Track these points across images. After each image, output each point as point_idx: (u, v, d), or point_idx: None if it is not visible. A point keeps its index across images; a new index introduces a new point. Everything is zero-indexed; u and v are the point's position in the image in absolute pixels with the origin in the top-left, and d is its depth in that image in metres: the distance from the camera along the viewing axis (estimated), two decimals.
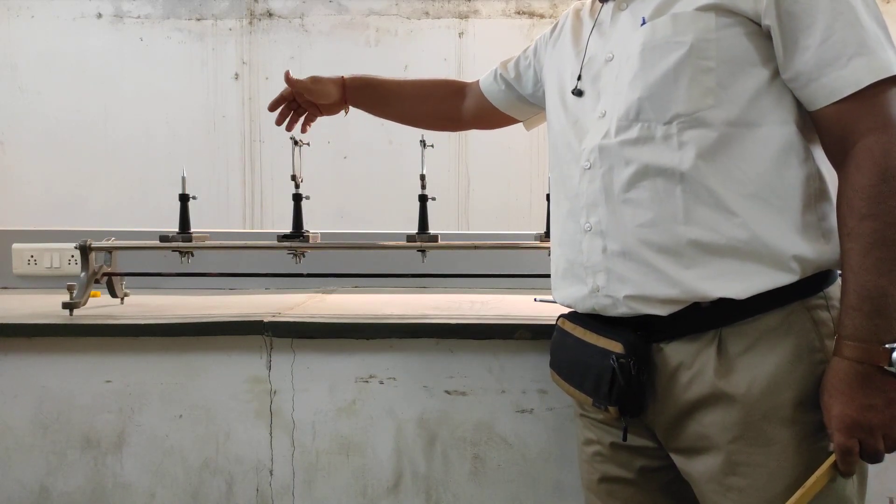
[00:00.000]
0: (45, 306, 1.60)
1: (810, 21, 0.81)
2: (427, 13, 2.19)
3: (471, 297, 1.82)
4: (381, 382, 1.38)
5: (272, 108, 1.42)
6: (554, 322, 1.05)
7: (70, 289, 1.49)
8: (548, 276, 1.79)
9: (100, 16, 2.20)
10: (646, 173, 0.88)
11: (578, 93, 0.99)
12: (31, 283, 2.03)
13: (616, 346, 0.89)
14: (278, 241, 1.57)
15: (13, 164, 2.20)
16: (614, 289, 0.91)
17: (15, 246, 2.04)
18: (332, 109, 1.44)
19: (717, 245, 0.84)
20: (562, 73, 1.06)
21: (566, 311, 1.05)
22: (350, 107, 1.45)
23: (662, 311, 0.88)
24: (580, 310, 0.98)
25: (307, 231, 1.58)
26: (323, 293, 1.90)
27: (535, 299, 1.76)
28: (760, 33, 0.84)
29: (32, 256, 2.03)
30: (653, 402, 0.91)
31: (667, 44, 0.86)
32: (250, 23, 2.20)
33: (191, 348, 1.40)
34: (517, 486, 1.37)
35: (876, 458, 0.80)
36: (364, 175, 2.20)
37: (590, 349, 0.94)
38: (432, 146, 1.59)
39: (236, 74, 2.20)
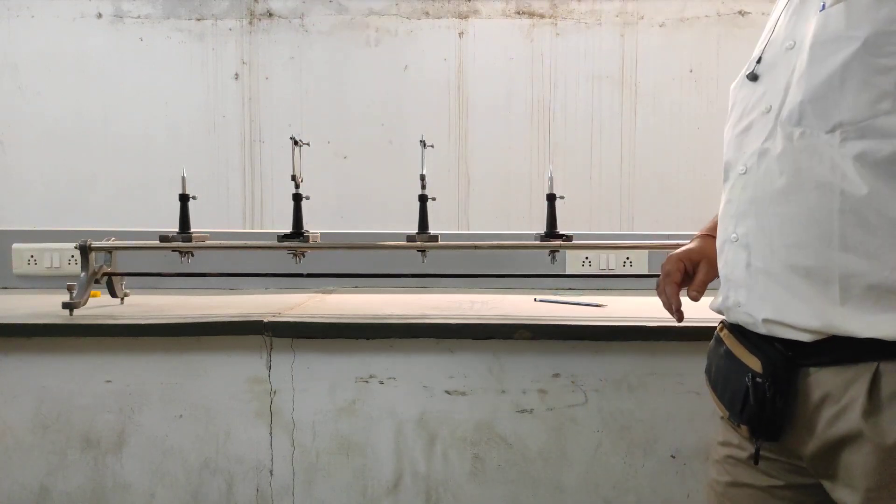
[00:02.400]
0: (45, 306, 1.60)
1: None
2: (427, 13, 2.18)
3: (471, 297, 1.82)
4: (381, 382, 1.38)
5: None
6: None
7: (70, 289, 1.49)
8: (547, 276, 1.81)
9: (100, 16, 2.20)
10: (800, 186, 0.78)
11: (753, 77, 0.88)
12: (31, 283, 2.03)
13: (755, 364, 0.82)
14: (278, 241, 1.57)
15: (13, 164, 2.20)
16: (754, 308, 0.84)
17: (15, 246, 2.04)
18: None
19: (874, 277, 0.74)
20: (753, 56, 0.93)
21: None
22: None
23: (805, 337, 0.79)
24: (729, 320, 0.92)
25: (307, 231, 1.58)
26: (323, 293, 1.90)
27: (535, 299, 1.76)
28: None
29: (32, 256, 2.03)
30: (793, 429, 0.83)
31: (838, 38, 0.75)
32: (250, 23, 2.20)
33: (191, 348, 1.40)
34: (517, 486, 1.37)
35: None
36: (364, 175, 2.20)
37: (733, 362, 0.87)
38: (432, 146, 1.59)
39: (236, 74, 2.20)
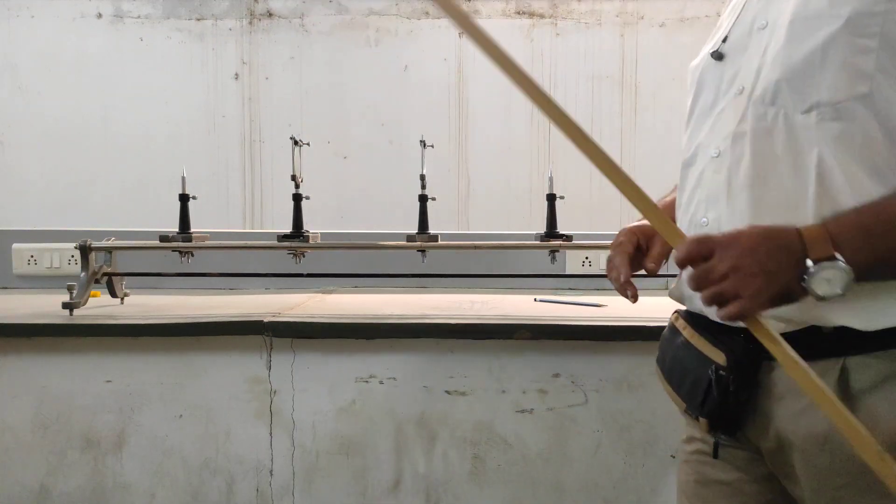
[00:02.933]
0: (45, 306, 1.60)
1: None
2: (427, 13, 2.18)
3: (471, 297, 1.82)
4: (381, 382, 1.38)
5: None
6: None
7: (70, 289, 1.49)
8: (547, 276, 1.81)
9: (100, 16, 2.20)
10: (774, 169, 0.76)
11: (718, 56, 0.86)
12: (31, 283, 2.03)
13: (719, 357, 0.80)
14: (278, 241, 1.57)
15: (13, 164, 2.20)
16: None
17: (15, 246, 2.04)
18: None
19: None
20: (714, 36, 0.91)
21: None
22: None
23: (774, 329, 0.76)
24: (690, 309, 0.89)
25: (307, 231, 1.59)
26: (323, 293, 1.90)
27: (535, 299, 1.76)
28: None
29: (32, 256, 2.03)
30: (753, 422, 0.82)
31: (820, 16, 0.73)
32: (250, 23, 2.19)
33: (191, 348, 1.40)
34: (517, 486, 1.37)
35: (697, 283, 0.71)
36: (364, 175, 2.19)
37: (693, 353, 0.84)
38: (432, 146, 1.60)
39: (236, 74, 2.20)
